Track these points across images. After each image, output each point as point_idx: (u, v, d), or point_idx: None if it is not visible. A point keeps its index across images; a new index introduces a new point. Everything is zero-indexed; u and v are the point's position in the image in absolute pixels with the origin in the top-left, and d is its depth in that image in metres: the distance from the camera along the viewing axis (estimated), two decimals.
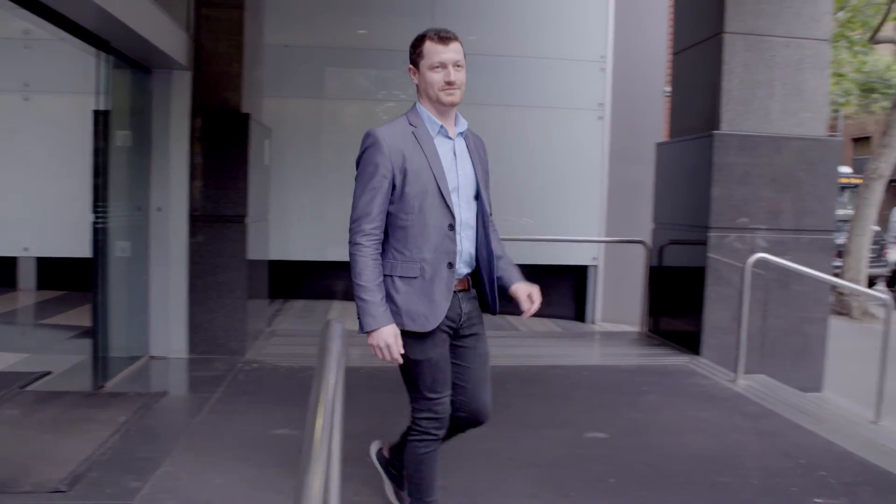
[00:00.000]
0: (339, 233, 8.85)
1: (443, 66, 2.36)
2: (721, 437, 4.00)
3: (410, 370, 2.45)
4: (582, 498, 3.12)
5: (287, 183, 7.82)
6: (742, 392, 4.91)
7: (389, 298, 2.38)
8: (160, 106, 5.22)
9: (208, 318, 5.34)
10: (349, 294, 8.72)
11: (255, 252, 5.68)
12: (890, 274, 12.75)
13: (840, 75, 15.76)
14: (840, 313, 10.62)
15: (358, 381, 4.66)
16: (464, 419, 2.57)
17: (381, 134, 2.37)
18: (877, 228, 13.72)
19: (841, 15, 12.49)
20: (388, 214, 2.39)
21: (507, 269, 2.59)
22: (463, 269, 2.48)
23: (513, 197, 7.72)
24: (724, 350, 5.48)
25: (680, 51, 6.62)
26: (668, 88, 7.33)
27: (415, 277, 2.38)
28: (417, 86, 2.46)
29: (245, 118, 5.36)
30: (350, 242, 2.36)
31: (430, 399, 2.46)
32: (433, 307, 2.38)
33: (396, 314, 2.37)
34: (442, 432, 2.51)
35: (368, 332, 2.33)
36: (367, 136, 2.40)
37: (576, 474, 3.35)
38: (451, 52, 2.37)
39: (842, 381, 6.04)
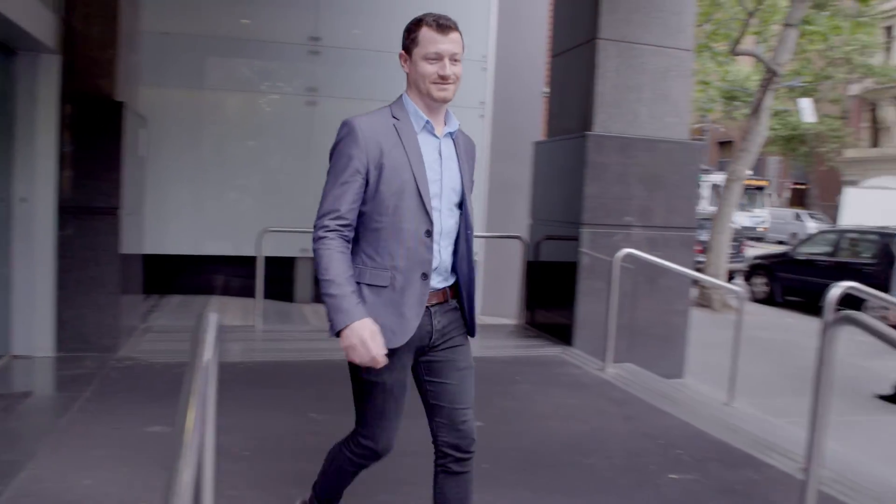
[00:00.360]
0: (218, 227, 8.61)
1: (438, 57, 2.12)
2: (588, 421, 4.24)
3: (361, 389, 2.22)
4: None
5: (164, 175, 7.56)
6: (610, 379, 5.21)
7: None
8: (25, 91, 4.94)
9: (77, 315, 5.12)
10: (229, 288, 8.60)
11: (128, 246, 5.49)
12: (747, 268, 13.73)
13: (706, 83, 16.81)
14: (702, 305, 11.36)
15: (236, 376, 4.61)
16: (447, 445, 2.27)
17: (359, 124, 2.13)
18: (736, 226, 14.75)
19: (707, 27, 13.31)
20: (361, 214, 2.14)
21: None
22: (440, 282, 2.23)
23: None
24: (596, 340, 5.78)
25: (557, 54, 6.89)
26: (547, 89, 7.61)
27: (384, 287, 2.12)
28: (407, 75, 2.21)
29: (118, 106, 5.17)
30: (314, 239, 2.11)
31: (374, 428, 2.24)
32: (402, 322, 2.12)
33: None
34: (374, 464, 2.34)
35: (340, 332, 2.01)
36: (343, 125, 2.15)
37: None
38: (450, 42, 2.13)
39: (701, 368, 6.51)
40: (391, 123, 2.17)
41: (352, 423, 2.32)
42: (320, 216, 2.12)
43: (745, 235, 20.74)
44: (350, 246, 2.14)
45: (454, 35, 2.14)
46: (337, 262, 2.06)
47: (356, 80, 7.99)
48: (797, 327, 10.30)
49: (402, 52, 2.21)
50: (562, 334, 6.24)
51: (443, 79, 2.13)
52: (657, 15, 6.22)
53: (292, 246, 7.87)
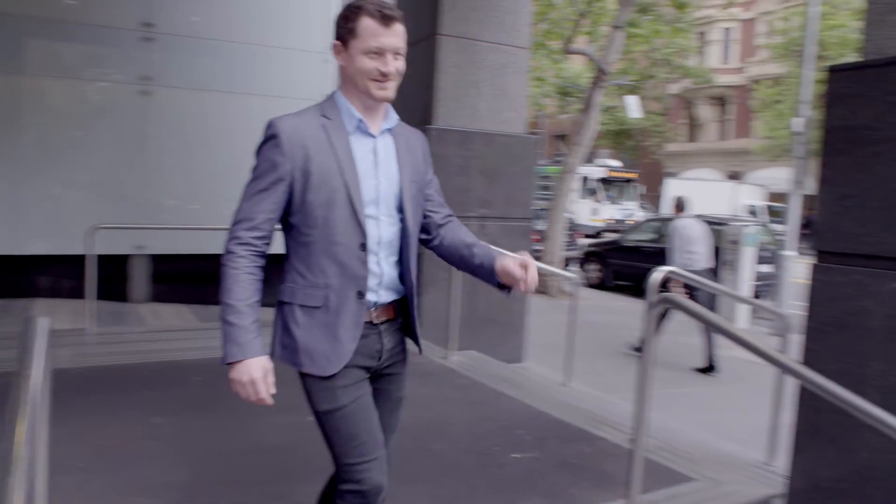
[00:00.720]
0: (42, 224, 7.96)
1: (380, 52, 1.88)
2: (434, 409, 4.38)
3: (323, 426, 1.97)
4: (303, 480, 3.26)
5: None
6: (454, 367, 5.39)
7: (287, 331, 1.94)
8: None
9: None
10: (57, 290, 8.01)
11: None
12: (582, 256, 14.56)
13: (541, 80, 17.58)
14: (540, 292, 11.93)
15: (67, 383, 4.34)
16: None
17: (283, 125, 1.89)
18: (569, 215, 15.57)
19: (542, 26, 13.93)
20: (291, 227, 1.95)
21: (483, 252, 2.12)
22: (387, 296, 2.02)
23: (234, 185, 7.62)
24: (439, 330, 5.95)
25: None
26: None
27: (318, 307, 1.92)
28: (341, 68, 1.97)
29: None
30: (224, 251, 1.89)
31: (351, 465, 1.94)
32: (337, 346, 1.91)
33: (294, 351, 1.93)
34: None
35: (230, 364, 1.83)
36: (267, 126, 1.92)
37: (298, 456, 3.48)
38: (394, 36, 1.89)
39: (540, 352, 6.87)
40: (319, 124, 1.93)
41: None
42: (234, 223, 1.90)
43: (614, 228, 21.75)
44: (263, 263, 1.91)
45: (398, 27, 1.90)
46: (242, 286, 1.85)
47: (194, 70, 7.68)
48: (626, 310, 11.07)
49: (337, 42, 1.94)
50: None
51: (384, 76, 1.89)
52: (494, 13, 6.46)
53: (125, 243, 7.47)
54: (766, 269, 11.45)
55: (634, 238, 13.65)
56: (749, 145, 30.50)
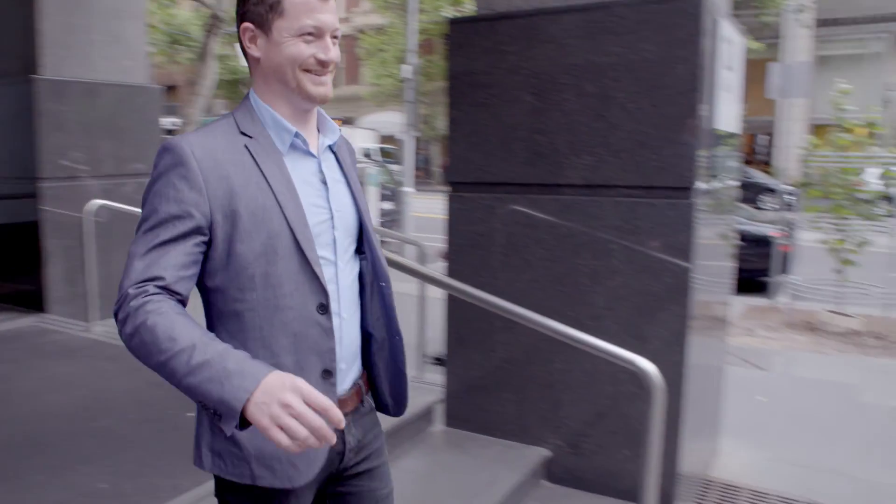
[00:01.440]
0: None
1: (318, 33, 1.41)
2: (89, 385, 4.03)
3: None
4: None
5: None
6: (100, 338, 4.97)
7: (223, 433, 1.36)
8: None
9: None
10: None
11: None
12: None
13: (152, 27, 16.37)
14: None
15: None
16: None
17: (190, 148, 1.35)
18: None
19: None
20: (211, 291, 1.40)
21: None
22: (349, 374, 1.53)
23: None
24: (76, 301, 5.40)
25: None
26: None
27: None
28: (258, 62, 1.45)
29: None
30: (121, 322, 1.27)
31: None
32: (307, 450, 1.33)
33: (241, 460, 1.39)
34: None
35: (244, 407, 1.16)
36: (165, 151, 1.37)
37: None
38: (329, 11, 1.42)
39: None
40: (240, 144, 1.41)
41: None
42: (130, 285, 1.28)
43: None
44: (181, 304, 1.32)
45: (332, 2, 1.44)
46: (181, 325, 1.23)
47: None
48: None
49: (249, 25, 1.43)
50: (32, 302, 5.65)
51: (322, 66, 1.43)
52: None
53: None
54: (388, 205, 12.42)
55: None
56: (360, 91, 32.18)
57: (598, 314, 3.21)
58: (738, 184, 3.93)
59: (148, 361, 1.24)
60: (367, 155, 24.79)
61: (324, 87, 1.45)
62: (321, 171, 1.50)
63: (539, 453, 3.43)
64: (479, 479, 3.21)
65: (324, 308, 1.43)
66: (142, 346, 1.24)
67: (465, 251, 3.55)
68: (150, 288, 1.28)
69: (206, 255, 1.38)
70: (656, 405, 2.32)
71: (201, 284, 1.42)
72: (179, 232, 1.32)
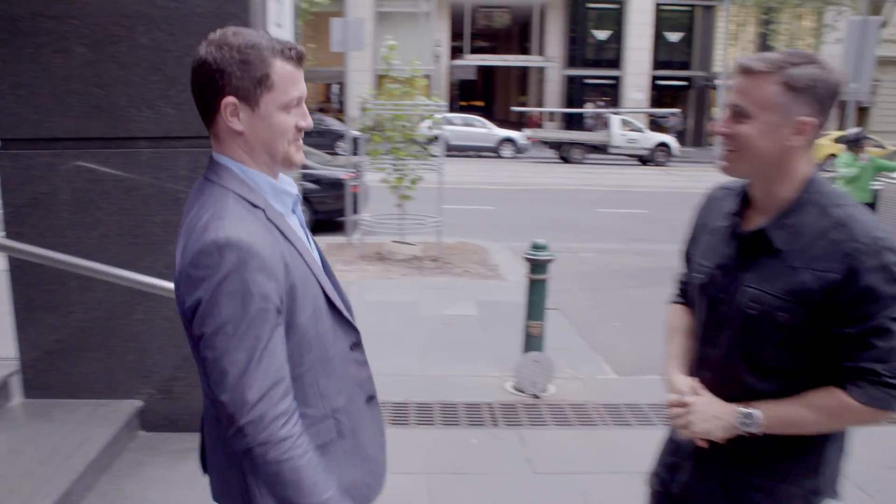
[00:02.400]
0: None
1: (300, 102, 1.44)
2: None
3: None
4: None
5: None
6: None
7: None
8: None
9: None
10: None
11: None
12: None
13: None
14: None
15: None
16: None
17: (249, 237, 1.32)
18: None
19: None
20: None
21: None
22: None
23: None
24: None
25: None
26: None
27: (330, 441, 1.51)
28: (240, 135, 1.41)
29: None
30: (263, 445, 1.32)
31: None
32: (372, 466, 1.60)
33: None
34: None
35: None
36: (227, 247, 1.29)
37: None
38: (302, 77, 1.45)
39: None
40: (262, 218, 1.40)
41: None
42: (259, 400, 1.31)
43: None
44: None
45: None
46: (321, 472, 1.40)
47: None
48: None
49: (232, 99, 1.38)
50: None
51: (300, 131, 1.46)
52: None
53: None
54: None
55: None
56: None
57: (173, 262, 3.31)
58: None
59: (287, 492, 1.36)
60: None
61: (301, 151, 1.49)
62: (303, 229, 1.57)
63: (132, 405, 3.48)
64: (70, 442, 3.15)
65: (355, 345, 1.58)
66: (284, 483, 1.35)
67: (25, 212, 3.35)
68: (284, 406, 1.34)
69: None
70: None
71: None
72: (272, 325, 1.33)
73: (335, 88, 34.89)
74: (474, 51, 35.95)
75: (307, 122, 1.45)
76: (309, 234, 1.59)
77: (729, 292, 1.60)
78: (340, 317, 1.53)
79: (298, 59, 1.42)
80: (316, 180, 9.89)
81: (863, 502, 3.45)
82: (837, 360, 1.50)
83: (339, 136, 22.13)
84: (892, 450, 3.98)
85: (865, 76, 10.85)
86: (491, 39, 39.44)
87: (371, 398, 1.63)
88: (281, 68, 1.38)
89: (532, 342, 4.60)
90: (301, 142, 1.48)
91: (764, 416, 1.54)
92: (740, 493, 1.65)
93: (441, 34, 31.99)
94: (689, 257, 1.83)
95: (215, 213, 1.36)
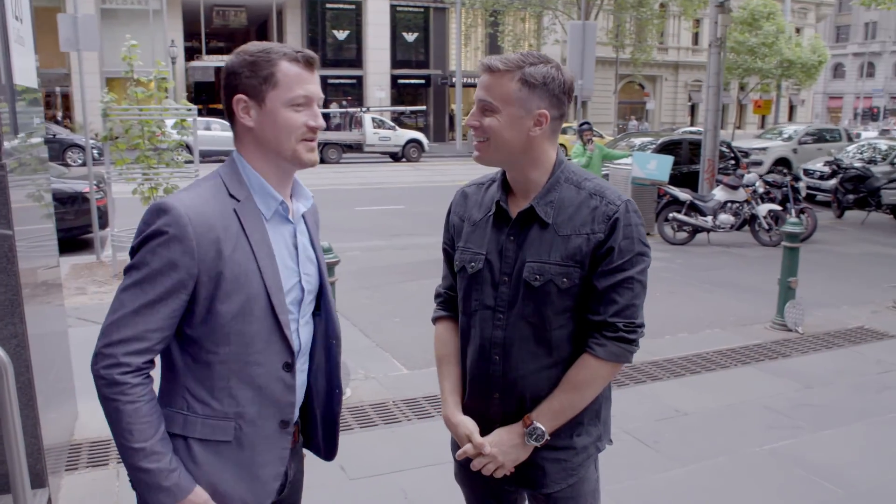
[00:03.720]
0: None
1: (307, 102, 1.53)
2: None
3: None
4: None
5: None
6: None
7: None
8: None
9: None
10: None
11: None
12: None
13: None
14: None
15: None
16: None
17: (186, 211, 1.44)
18: None
19: None
20: (188, 341, 1.51)
21: None
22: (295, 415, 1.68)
23: None
24: None
25: None
26: None
27: (226, 442, 1.53)
28: (251, 130, 1.55)
29: None
30: (101, 378, 1.44)
31: None
32: (256, 487, 1.58)
33: None
34: None
35: None
36: (159, 211, 1.45)
37: None
38: (316, 81, 1.57)
39: None
40: (230, 207, 1.50)
41: None
42: (113, 342, 1.43)
43: None
44: (152, 382, 1.48)
45: (317, 73, 1.58)
46: (145, 421, 1.45)
47: None
48: None
49: (242, 96, 1.53)
50: None
51: (313, 131, 1.55)
52: None
53: None
54: None
55: None
56: None
57: None
58: (43, 141, 3.81)
59: (110, 425, 1.46)
60: None
61: (314, 152, 1.57)
62: (295, 237, 1.62)
63: None
64: None
65: (289, 366, 1.59)
66: (107, 415, 1.45)
67: None
68: (133, 362, 1.43)
69: (188, 308, 1.48)
70: (4, 384, 2.19)
71: (179, 331, 1.51)
72: (167, 289, 1.43)
73: (58, 91, 31.36)
74: (210, 52, 34.44)
75: (318, 121, 1.55)
76: (312, 247, 1.67)
77: (509, 272, 1.73)
78: (280, 331, 1.55)
79: (307, 63, 1.53)
80: (53, 195, 8.80)
81: (647, 454, 3.83)
82: (586, 315, 1.71)
83: (70, 145, 20.05)
84: (656, 405, 4.47)
85: (588, 74, 12.06)
86: (227, 40, 37.96)
87: (285, 423, 1.61)
88: (287, 68, 1.51)
89: None
90: (315, 143, 1.57)
91: (543, 423, 1.70)
92: (539, 460, 1.78)
93: (174, 34, 30.21)
94: (450, 253, 1.91)
95: (187, 188, 1.53)
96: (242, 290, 1.48)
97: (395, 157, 26.36)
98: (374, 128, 25.75)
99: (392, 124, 27.19)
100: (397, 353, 5.52)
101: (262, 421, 1.56)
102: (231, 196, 1.51)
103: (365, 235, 10.94)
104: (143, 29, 26.21)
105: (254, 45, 1.53)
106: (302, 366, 1.68)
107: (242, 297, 1.49)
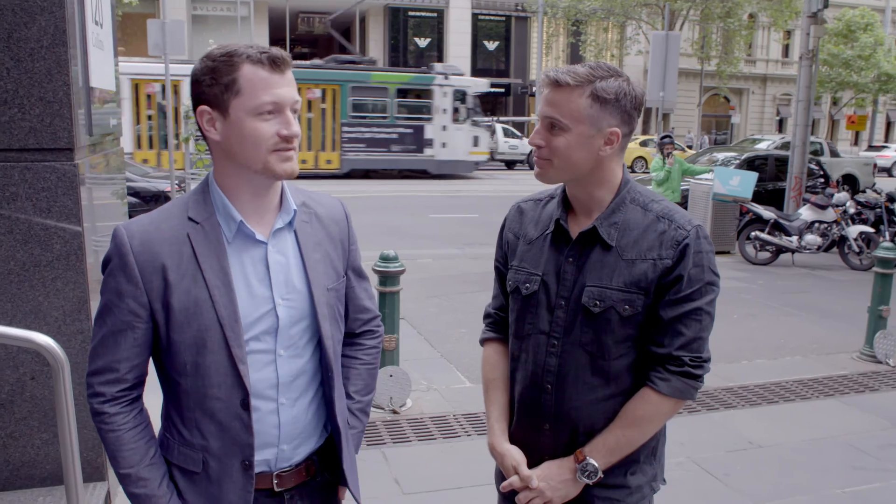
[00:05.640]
0: None
1: (277, 108, 1.35)
2: None
3: None
4: None
5: None
6: None
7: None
8: None
9: None
10: None
11: None
12: None
13: None
14: None
15: None
16: None
17: (129, 240, 1.38)
18: None
19: None
20: (162, 366, 1.48)
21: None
22: (293, 452, 1.52)
23: None
24: None
25: None
26: None
27: (196, 473, 1.47)
28: (218, 144, 1.40)
29: None
30: (89, 406, 1.45)
31: None
32: None
33: None
34: None
35: None
36: (112, 236, 1.40)
37: None
38: (288, 84, 1.37)
39: None
40: (184, 232, 1.39)
41: None
42: (90, 373, 1.44)
43: None
44: (139, 407, 1.48)
45: (290, 73, 1.38)
46: (130, 448, 1.43)
47: None
48: None
49: (205, 108, 1.37)
50: None
51: (287, 140, 1.37)
52: None
53: None
54: None
55: None
56: None
57: None
58: (119, 141, 3.90)
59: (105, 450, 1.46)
60: None
61: (290, 162, 1.39)
62: (266, 261, 1.45)
63: None
64: None
65: (245, 404, 1.44)
66: (100, 435, 1.44)
67: None
68: (107, 392, 1.42)
69: (155, 334, 1.43)
70: (60, 380, 2.21)
71: (156, 354, 1.47)
72: (122, 321, 1.40)
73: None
74: (295, 57, 35.14)
75: (291, 129, 1.37)
76: (303, 266, 1.49)
77: (566, 295, 1.61)
78: (232, 366, 1.42)
79: (273, 64, 1.35)
80: (135, 193, 9.16)
81: (716, 487, 3.62)
82: (649, 347, 1.59)
83: None
84: (729, 434, 4.24)
85: (671, 86, 11.74)
86: (311, 45, 38.82)
87: (248, 465, 1.47)
88: (249, 72, 1.34)
89: (387, 356, 4.45)
90: (291, 152, 1.39)
91: (597, 460, 1.59)
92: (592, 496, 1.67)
93: (260, 39, 31.08)
94: (503, 272, 1.80)
95: (157, 209, 1.46)
96: (194, 321, 1.39)
97: (509, 165, 27.97)
98: (504, 137, 27.69)
99: (518, 133, 28.92)
100: (461, 365, 5.43)
101: (226, 458, 1.46)
102: (189, 219, 1.41)
103: (438, 243, 10.92)
104: (231, 34, 27.09)
105: (218, 49, 1.38)
106: (298, 400, 1.52)
107: (194, 328, 1.40)
